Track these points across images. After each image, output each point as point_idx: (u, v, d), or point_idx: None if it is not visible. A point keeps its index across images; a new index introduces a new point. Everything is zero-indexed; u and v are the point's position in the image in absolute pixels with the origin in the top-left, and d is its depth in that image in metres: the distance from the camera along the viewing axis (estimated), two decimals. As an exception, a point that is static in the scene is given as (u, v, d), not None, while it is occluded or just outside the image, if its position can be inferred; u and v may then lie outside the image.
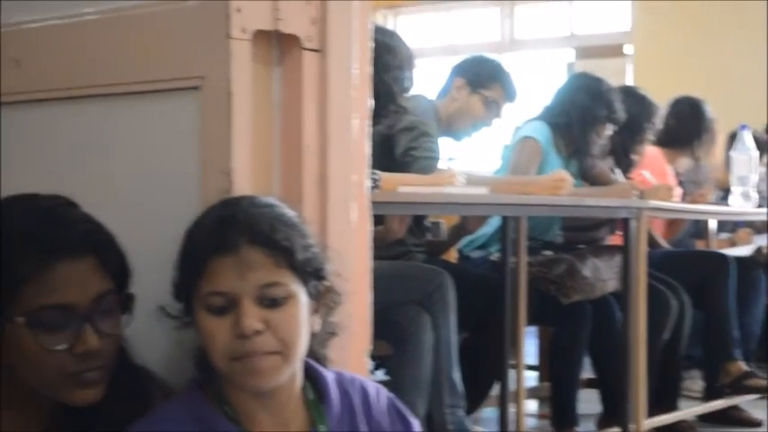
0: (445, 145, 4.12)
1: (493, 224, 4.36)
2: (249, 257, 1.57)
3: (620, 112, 4.51)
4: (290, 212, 1.68)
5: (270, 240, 1.59)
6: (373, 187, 2.30)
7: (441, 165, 3.90)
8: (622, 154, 4.87)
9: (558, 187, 3.86)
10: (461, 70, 4.30)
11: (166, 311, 1.68)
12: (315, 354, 1.74)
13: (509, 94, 4.29)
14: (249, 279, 1.57)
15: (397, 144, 3.83)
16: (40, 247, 1.59)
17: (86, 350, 1.61)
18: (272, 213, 1.63)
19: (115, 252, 1.69)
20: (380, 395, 1.80)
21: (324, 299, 1.69)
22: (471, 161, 7.15)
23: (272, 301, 1.59)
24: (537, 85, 7.79)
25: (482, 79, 4.24)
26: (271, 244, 1.59)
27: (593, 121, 4.47)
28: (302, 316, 1.63)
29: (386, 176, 3.25)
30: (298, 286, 1.62)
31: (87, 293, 1.62)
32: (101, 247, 1.65)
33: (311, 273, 1.64)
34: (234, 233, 1.58)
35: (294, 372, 1.67)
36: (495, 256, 4.34)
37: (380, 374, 3.73)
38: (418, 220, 3.95)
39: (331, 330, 1.74)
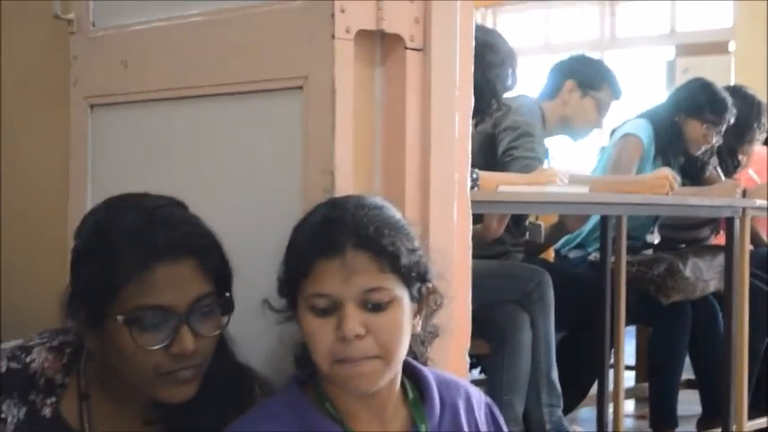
0: (547, 146, 4.09)
1: (591, 223, 4.32)
2: (354, 262, 1.57)
3: (731, 115, 4.45)
4: (396, 215, 1.68)
5: (375, 245, 1.59)
6: (472, 186, 2.29)
7: (542, 165, 3.87)
8: (729, 154, 4.79)
9: (662, 186, 3.80)
10: (570, 72, 4.24)
11: (270, 305, 1.70)
12: (415, 353, 1.73)
13: (616, 94, 4.25)
14: (353, 283, 1.57)
15: (499, 143, 3.82)
16: (142, 247, 1.61)
17: (182, 351, 1.63)
18: (379, 217, 1.63)
19: (217, 255, 1.71)
20: (480, 398, 1.80)
21: (426, 301, 1.69)
22: (568, 162, 7.08)
23: (374, 306, 1.59)
24: (636, 84, 7.68)
25: (591, 81, 4.19)
26: (376, 248, 1.59)
27: (701, 123, 4.41)
28: (404, 320, 1.62)
29: (485, 175, 3.24)
30: (401, 290, 1.61)
31: (186, 296, 1.64)
32: (202, 250, 1.67)
33: (415, 277, 1.64)
34: (340, 236, 1.58)
35: (395, 373, 1.67)
36: (593, 255, 4.30)
37: (476, 374, 3.72)
38: (517, 220, 3.93)
39: (432, 331, 1.74)
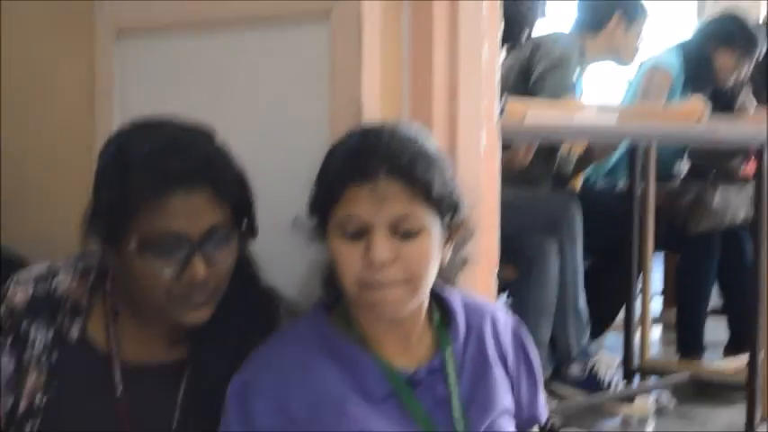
0: (580, 77, 4.07)
1: (619, 152, 4.30)
2: (386, 189, 1.57)
3: (762, 46, 4.40)
4: (431, 145, 1.67)
5: (408, 173, 1.58)
6: (500, 114, 2.29)
7: (572, 95, 3.85)
8: (760, 87, 4.74)
9: (692, 115, 3.77)
10: (616, 5, 4.20)
11: (300, 224, 1.70)
12: (443, 278, 1.74)
13: (648, 24, 4.22)
14: (384, 210, 1.57)
15: (533, 71, 3.81)
16: (157, 173, 1.62)
17: (193, 278, 1.64)
18: (413, 145, 1.62)
19: (235, 184, 1.70)
20: (507, 321, 1.81)
21: (457, 231, 1.69)
22: (597, 94, 7.02)
23: (404, 233, 1.59)
24: (665, 21, 7.57)
25: (635, 13, 4.16)
26: (409, 177, 1.58)
27: (732, 53, 4.37)
28: (433, 248, 1.62)
29: (513, 103, 3.23)
30: (432, 219, 1.61)
31: (200, 224, 1.64)
32: (219, 180, 1.66)
33: (447, 207, 1.64)
34: (373, 163, 1.58)
35: (422, 299, 1.68)
36: (622, 184, 4.29)
37: (504, 299, 3.74)
38: (549, 151, 3.92)
39: (462, 259, 1.74)
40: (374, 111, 1.87)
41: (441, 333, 1.72)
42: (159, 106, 1.81)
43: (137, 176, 1.62)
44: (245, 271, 1.77)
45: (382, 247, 1.57)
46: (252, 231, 1.74)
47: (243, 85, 2.10)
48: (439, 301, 1.74)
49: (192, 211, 1.63)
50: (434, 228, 1.62)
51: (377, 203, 1.57)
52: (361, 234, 1.59)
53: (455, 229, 1.68)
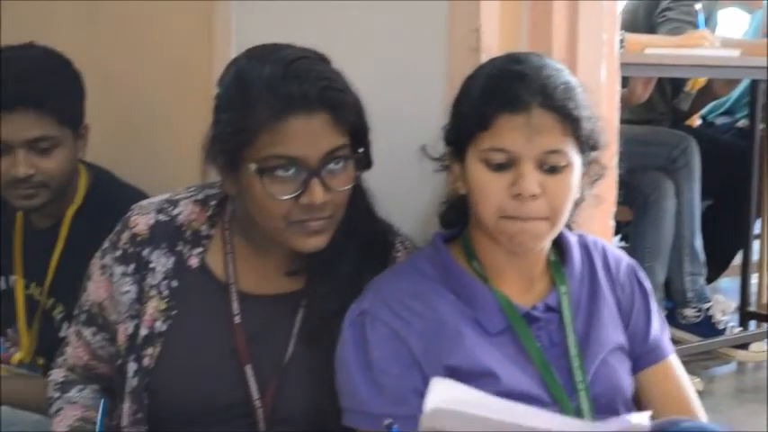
0: (713, 13, 3.96)
1: (740, 89, 4.19)
2: (540, 121, 1.55)
3: None
4: (575, 79, 1.64)
5: (562, 107, 1.56)
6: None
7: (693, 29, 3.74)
8: None
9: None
10: None
11: (427, 152, 1.69)
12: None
13: None
14: (535, 142, 1.55)
15: (659, 4, 3.71)
16: (276, 98, 1.61)
17: (311, 202, 1.63)
18: (562, 78, 1.59)
19: (353, 110, 1.69)
20: (622, 260, 1.78)
21: (592, 169, 1.67)
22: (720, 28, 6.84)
23: (551, 168, 1.57)
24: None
25: None
26: (562, 110, 1.56)
27: None
28: (574, 185, 1.61)
29: (632, 37, 3.15)
30: (576, 155, 1.59)
31: (318, 148, 1.63)
32: (337, 105, 1.65)
33: (590, 144, 1.62)
34: (527, 93, 1.55)
35: (555, 235, 1.66)
36: (742, 122, 4.18)
37: (618, 240, 3.70)
38: (663, 84, 3.83)
39: (581, 198, 1.71)
40: (492, 41, 1.84)
41: (556, 271, 1.70)
42: (277, 34, 1.78)
43: (256, 101, 1.62)
44: (360, 204, 1.76)
45: (531, 180, 1.55)
46: (368, 161, 1.73)
47: (360, 15, 2.07)
48: (555, 240, 1.71)
49: (310, 135, 1.62)
50: (577, 164, 1.60)
51: (529, 135, 1.55)
52: (508, 165, 1.57)
53: (590, 167, 1.65)
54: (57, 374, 1.96)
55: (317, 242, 1.69)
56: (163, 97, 2.59)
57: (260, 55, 1.68)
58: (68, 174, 2.23)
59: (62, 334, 2.18)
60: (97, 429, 1.67)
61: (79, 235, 2.26)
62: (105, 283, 1.82)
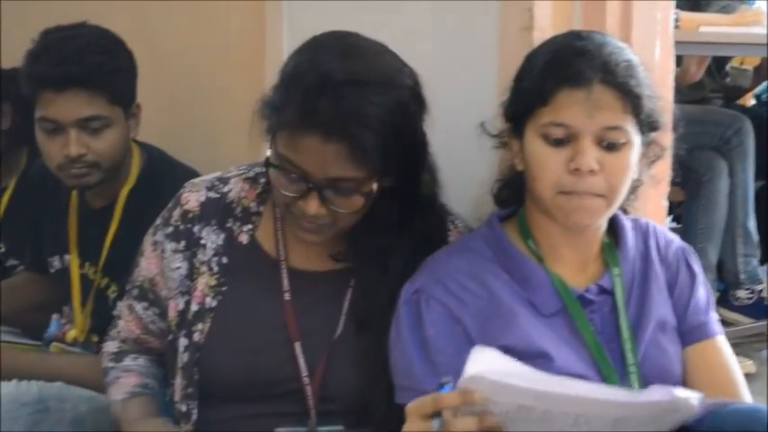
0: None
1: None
2: (600, 97, 1.54)
3: None
4: (637, 58, 1.62)
5: (623, 84, 1.55)
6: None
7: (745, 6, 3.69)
8: None
9: None
10: None
11: (486, 129, 1.69)
12: None
13: None
14: (595, 118, 1.54)
15: None
16: (305, 110, 1.57)
17: (304, 212, 1.64)
18: (624, 55, 1.58)
19: (376, 148, 1.59)
20: (673, 241, 1.76)
21: (651, 150, 1.65)
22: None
23: (610, 145, 1.56)
24: None
25: None
26: (623, 88, 1.55)
27: None
28: (633, 164, 1.59)
29: (686, 15, 3.11)
30: (636, 134, 1.58)
31: (326, 171, 1.61)
32: (358, 141, 1.59)
33: (649, 123, 1.60)
34: (589, 69, 1.55)
35: (611, 214, 1.65)
36: (797, 102, 4.13)
37: (670, 221, 3.66)
38: (718, 63, 3.78)
39: (640, 180, 1.70)
40: (545, 20, 1.83)
41: (610, 254, 1.68)
42: (330, 23, 1.77)
43: (289, 100, 1.61)
44: (421, 199, 1.75)
45: (590, 155, 1.54)
46: (402, 185, 1.70)
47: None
48: (610, 222, 1.70)
49: (321, 157, 1.60)
50: (636, 143, 1.59)
51: (589, 111, 1.54)
52: (567, 141, 1.56)
53: (650, 148, 1.64)
54: (110, 346, 1.99)
55: (311, 238, 1.71)
56: (216, 77, 2.60)
57: (331, 53, 1.63)
58: (120, 153, 2.25)
59: (116, 312, 2.20)
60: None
61: (133, 214, 2.28)
62: (157, 260, 1.83)
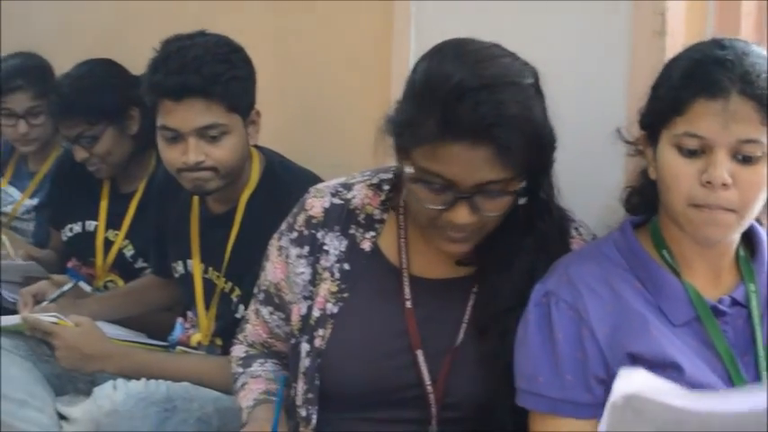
0: None
1: None
2: (737, 108, 1.49)
3: None
4: None
5: (763, 95, 1.50)
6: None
7: None
8: None
9: None
10: None
11: (622, 135, 1.66)
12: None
13: None
14: (731, 130, 1.49)
15: None
16: (446, 119, 1.57)
17: (453, 222, 1.62)
18: (766, 65, 1.52)
19: (523, 147, 1.59)
20: None
21: None
22: None
23: (745, 158, 1.51)
24: None
25: None
26: (763, 99, 1.50)
27: None
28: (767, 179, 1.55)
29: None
30: None
31: (474, 177, 1.59)
32: (505, 142, 1.58)
33: None
34: (727, 79, 1.50)
35: (744, 227, 1.59)
36: None
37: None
38: None
39: None
40: (678, 24, 1.79)
41: (745, 267, 1.64)
42: (457, 28, 1.76)
43: (429, 111, 1.59)
44: (542, 200, 1.72)
45: (723, 168, 1.50)
46: (526, 191, 1.67)
47: (542, 3, 2.04)
48: (745, 235, 1.65)
49: (469, 164, 1.58)
50: None
51: (725, 122, 1.49)
52: (701, 152, 1.52)
53: None
54: (238, 350, 2.01)
55: (457, 249, 1.70)
56: (341, 84, 2.60)
57: (458, 60, 1.62)
58: (238, 160, 2.27)
59: (239, 316, 2.21)
60: (276, 407, 1.72)
61: (254, 219, 2.30)
62: (282, 264, 1.84)
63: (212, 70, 2.19)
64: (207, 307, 2.37)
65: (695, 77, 1.52)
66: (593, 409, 1.54)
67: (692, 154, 1.51)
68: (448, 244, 1.68)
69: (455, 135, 1.56)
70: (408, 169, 1.63)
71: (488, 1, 2.12)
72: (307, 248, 1.80)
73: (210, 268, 2.37)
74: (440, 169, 1.59)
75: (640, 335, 1.56)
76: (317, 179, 2.05)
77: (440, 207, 1.62)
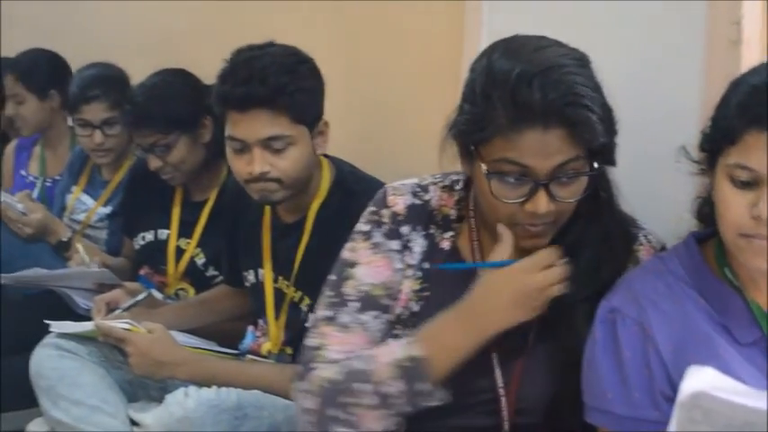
0: None
1: None
2: None
3: None
4: None
5: None
6: None
7: None
8: None
9: None
10: None
11: (687, 154, 1.62)
12: None
13: None
14: None
15: None
16: (517, 106, 1.59)
17: (534, 211, 1.62)
18: None
19: (594, 126, 1.61)
20: None
21: None
22: None
23: None
24: None
25: None
26: None
27: None
28: None
29: None
30: None
31: (550, 161, 1.61)
32: (577, 122, 1.59)
33: None
34: None
35: None
36: None
37: None
38: None
39: None
40: (754, 35, 1.76)
41: None
42: (526, 25, 1.75)
43: (497, 103, 1.60)
44: (603, 193, 1.73)
45: None
46: (610, 161, 1.68)
47: (616, 9, 2.03)
48: None
49: (544, 148, 1.59)
50: None
51: None
52: (753, 184, 1.48)
53: None
54: (328, 373, 1.73)
55: (536, 243, 1.69)
56: (411, 91, 2.60)
57: (515, 52, 1.64)
58: (304, 170, 2.28)
59: (308, 325, 2.21)
60: None
61: (324, 228, 2.31)
62: (385, 260, 1.79)
63: (278, 81, 2.20)
64: (277, 316, 2.38)
65: (749, 107, 1.47)
66: (662, 426, 1.50)
67: (744, 185, 1.48)
68: (529, 239, 1.68)
69: (527, 121, 1.57)
70: (482, 166, 1.63)
71: (561, 1, 2.12)
72: (397, 243, 1.79)
73: (280, 277, 2.38)
74: (517, 157, 1.60)
75: (706, 353, 1.53)
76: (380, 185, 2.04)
77: (519, 200, 1.63)
